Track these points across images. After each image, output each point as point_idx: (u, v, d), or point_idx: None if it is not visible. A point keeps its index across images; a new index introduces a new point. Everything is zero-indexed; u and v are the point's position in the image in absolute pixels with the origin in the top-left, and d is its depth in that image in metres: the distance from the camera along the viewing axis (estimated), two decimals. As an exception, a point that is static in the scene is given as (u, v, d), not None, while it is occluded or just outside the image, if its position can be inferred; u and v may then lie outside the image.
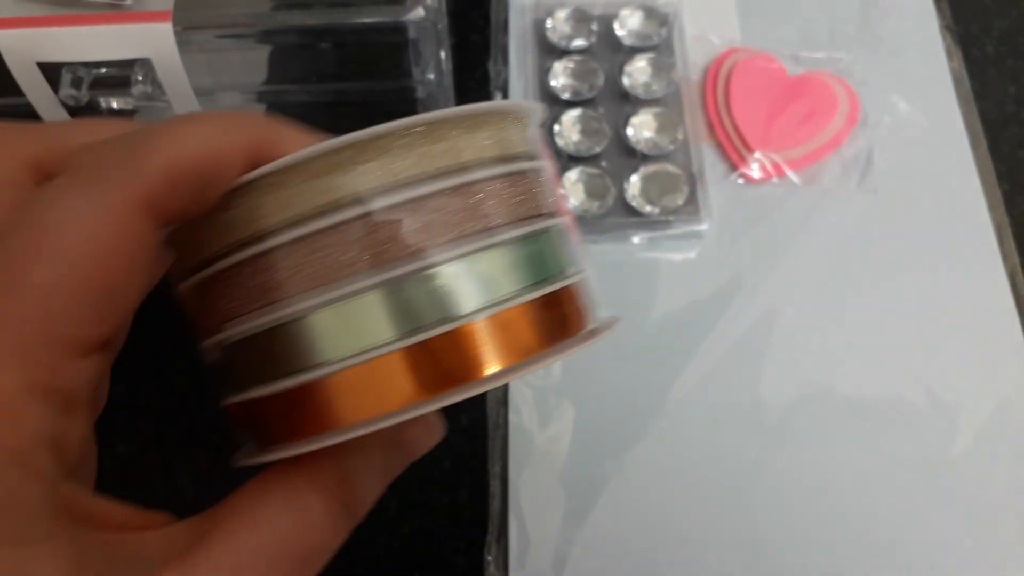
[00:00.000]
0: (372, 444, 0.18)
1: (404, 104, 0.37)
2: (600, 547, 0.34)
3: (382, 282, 0.16)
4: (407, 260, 0.16)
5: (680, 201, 0.41)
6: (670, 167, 0.41)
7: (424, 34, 0.33)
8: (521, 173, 0.18)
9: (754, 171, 0.42)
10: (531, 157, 0.19)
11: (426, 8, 0.32)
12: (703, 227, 0.41)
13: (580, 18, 0.46)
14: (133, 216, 0.15)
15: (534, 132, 0.20)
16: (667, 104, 0.43)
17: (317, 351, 0.16)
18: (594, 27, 0.45)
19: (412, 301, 0.16)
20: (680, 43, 0.46)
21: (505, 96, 0.44)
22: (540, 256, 0.18)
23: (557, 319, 0.19)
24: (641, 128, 0.43)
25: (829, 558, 0.34)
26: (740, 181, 0.42)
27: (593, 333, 0.19)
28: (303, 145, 0.16)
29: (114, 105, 0.36)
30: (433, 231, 0.17)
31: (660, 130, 0.42)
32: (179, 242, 0.18)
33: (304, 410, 0.17)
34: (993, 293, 0.40)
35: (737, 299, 0.39)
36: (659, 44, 0.45)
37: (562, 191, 0.20)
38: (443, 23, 0.33)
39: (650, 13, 0.46)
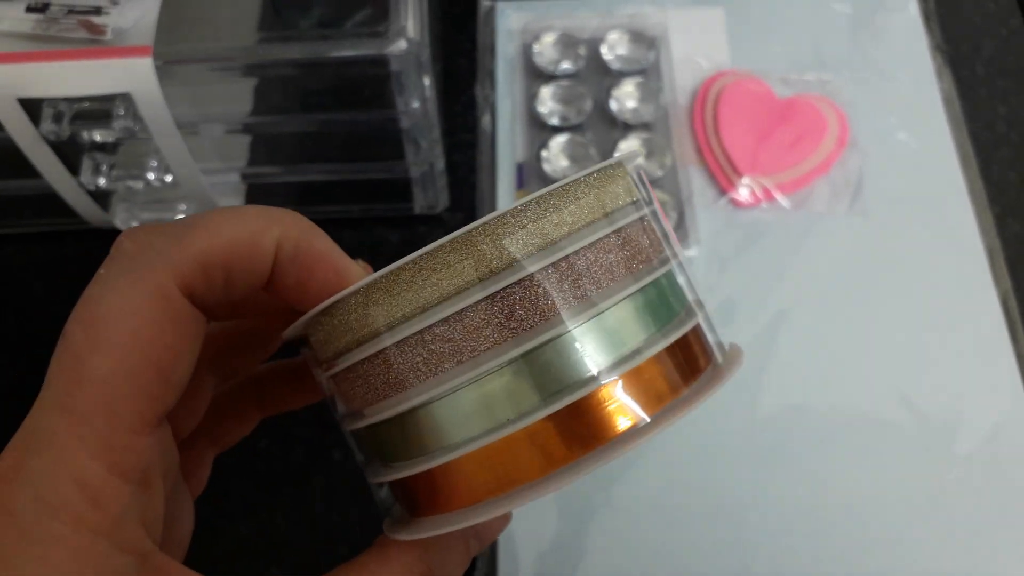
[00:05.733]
0: (456, 538, 0.18)
1: (389, 133, 0.37)
2: (589, 582, 0.34)
3: (512, 359, 0.16)
4: (540, 330, 0.16)
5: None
6: (659, 193, 0.41)
7: (406, 66, 0.33)
8: (634, 223, 0.18)
9: (743, 196, 0.42)
10: (641, 204, 0.19)
11: (408, 41, 0.32)
12: (692, 253, 0.40)
13: (567, 42, 0.45)
14: (168, 301, 0.16)
15: (634, 176, 0.20)
16: (655, 129, 0.43)
17: (446, 434, 0.17)
18: (581, 51, 0.45)
19: (546, 368, 0.16)
20: (668, 66, 0.45)
21: (493, 120, 0.44)
22: (662, 299, 0.18)
23: (688, 360, 0.19)
24: (629, 154, 0.42)
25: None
26: (729, 206, 0.42)
27: (719, 372, 0.19)
28: (330, 245, 0.18)
29: (96, 138, 0.36)
30: (562, 296, 0.17)
31: (648, 156, 0.42)
32: (311, 338, 0.18)
33: (442, 487, 0.17)
34: (985, 317, 0.39)
35: (728, 325, 0.39)
36: (647, 68, 0.45)
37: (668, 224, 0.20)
38: (426, 54, 0.33)
39: (637, 37, 0.45)
